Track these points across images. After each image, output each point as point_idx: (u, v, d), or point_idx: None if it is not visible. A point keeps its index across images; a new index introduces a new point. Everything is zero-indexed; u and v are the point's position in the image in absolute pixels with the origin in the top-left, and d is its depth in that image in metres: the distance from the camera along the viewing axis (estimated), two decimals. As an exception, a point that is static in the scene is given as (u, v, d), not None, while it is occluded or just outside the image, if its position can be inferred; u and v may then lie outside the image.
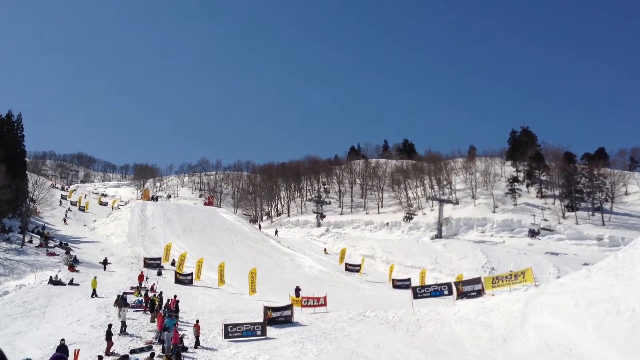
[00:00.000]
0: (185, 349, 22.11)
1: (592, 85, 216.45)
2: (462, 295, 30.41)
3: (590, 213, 72.68)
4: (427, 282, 45.13)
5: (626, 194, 79.81)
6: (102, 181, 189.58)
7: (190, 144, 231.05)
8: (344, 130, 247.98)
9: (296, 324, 28.03)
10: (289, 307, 29.39)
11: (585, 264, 40.65)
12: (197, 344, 23.29)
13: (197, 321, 24.79)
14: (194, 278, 42.74)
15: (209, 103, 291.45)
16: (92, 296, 33.13)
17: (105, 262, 46.44)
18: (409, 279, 47.44)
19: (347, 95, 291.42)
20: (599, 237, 63.85)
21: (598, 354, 17.72)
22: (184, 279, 42.26)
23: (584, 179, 77.40)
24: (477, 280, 31.85)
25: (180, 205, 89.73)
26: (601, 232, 65.02)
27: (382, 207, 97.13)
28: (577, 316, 20.37)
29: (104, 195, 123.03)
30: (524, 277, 29.52)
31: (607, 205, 74.10)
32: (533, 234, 66.52)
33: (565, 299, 21.94)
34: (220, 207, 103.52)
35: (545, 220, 70.22)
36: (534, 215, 70.95)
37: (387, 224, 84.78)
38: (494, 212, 76.74)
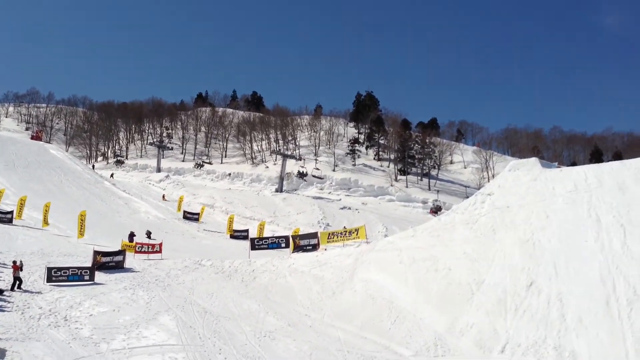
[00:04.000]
0: (0, 291, 20.23)
1: (430, 59, 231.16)
2: (298, 248, 31.24)
3: (419, 178, 78.51)
4: (265, 234, 45.77)
5: (451, 162, 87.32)
6: None
7: (17, 70, 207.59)
8: (192, 75, 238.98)
9: (128, 270, 26.98)
10: (121, 253, 28.14)
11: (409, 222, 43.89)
12: (14, 286, 21.40)
13: (15, 262, 22.67)
14: (14, 217, 39.18)
15: (42, 25, 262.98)
16: None
17: None
18: (247, 230, 47.81)
19: (198, 40, 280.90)
20: (425, 201, 69.28)
21: (415, 307, 19.23)
22: (2, 217, 38.51)
23: (417, 145, 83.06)
24: (314, 235, 32.88)
25: (3, 137, 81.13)
26: (427, 196, 70.60)
27: (225, 157, 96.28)
28: (400, 272, 21.85)
29: None
30: (357, 234, 31.01)
31: (434, 172, 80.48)
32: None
33: (391, 256, 23.39)
34: (50, 142, 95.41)
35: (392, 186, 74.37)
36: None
37: (230, 174, 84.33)
38: (333, 170, 79.57)
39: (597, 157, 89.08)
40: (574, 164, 75.50)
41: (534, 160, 25.43)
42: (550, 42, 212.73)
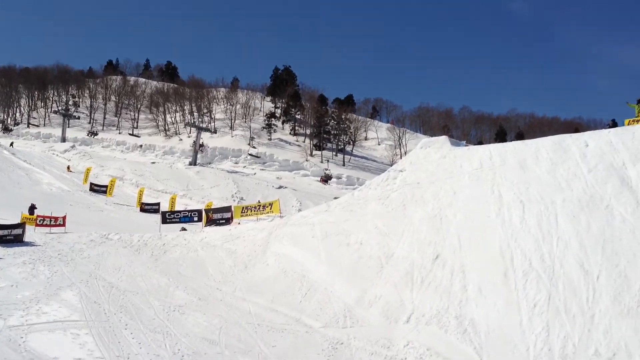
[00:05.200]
0: None
1: (349, 36, 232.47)
2: (211, 222, 30.85)
3: (334, 153, 79.40)
4: (177, 207, 44.82)
5: (366, 139, 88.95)
6: None
7: None
8: (102, 41, 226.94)
9: (28, 244, 25.53)
10: (20, 226, 26.55)
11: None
12: None
13: None
14: None
15: None
16: None
17: None
18: (158, 204, 46.54)
19: (109, 3, 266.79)
20: (339, 176, 70.33)
21: (327, 281, 19.51)
22: None
23: (332, 121, 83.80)
24: (228, 209, 32.56)
25: None
26: (341, 172, 71.68)
27: (137, 128, 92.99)
28: (313, 246, 22.06)
29: None
30: (271, 208, 31.02)
31: (349, 148, 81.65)
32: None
33: (304, 230, 23.55)
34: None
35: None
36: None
37: (141, 146, 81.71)
38: (249, 144, 78.96)
39: (501, 136, 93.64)
40: (480, 142, 79.05)
41: (444, 139, 26.22)
42: (460, 25, 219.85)
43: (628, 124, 21.18)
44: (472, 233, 18.32)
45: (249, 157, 73.10)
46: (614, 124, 22.15)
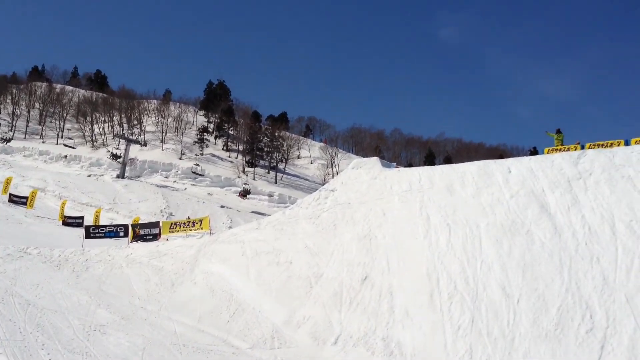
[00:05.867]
0: None
1: (284, 53, 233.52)
2: (137, 237, 29.97)
3: (267, 171, 79.20)
4: (103, 222, 43.24)
5: (298, 157, 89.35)
6: None
7: None
8: (27, 46, 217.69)
9: None
10: None
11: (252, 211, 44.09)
12: None
13: None
14: None
15: None
16: None
17: None
18: (82, 217, 44.71)
19: (36, 7, 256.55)
20: (271, 194, 70.07)
21: (255, 300, 19.30)
22: None
23: (266, 138, 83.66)
24: (155, 224, 31.76)
25: None
26: (273, 190, 71.46)
27: (62, 138, 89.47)
28: (242, 265, 21.80)
29: None
30: (201, 225, 30.49)
31: (281, 166, 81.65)
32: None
33: (234, 248, 23.26)
34: None
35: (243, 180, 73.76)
36: (198, 165, 73.55)
37: (66, 156, 78.55)
38: (180, 158, 77.59)
39: (430, 159, 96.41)
40: (410, 165, 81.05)
41: (375, 160, 26.71)
42: (393, 49, 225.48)
43: (547, 152, 22.29)
44: (400, 254, 18.65)
45: (191, 173, 71.49)
46: (534, 152, 23.30)
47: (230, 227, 42.00)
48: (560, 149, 22.12)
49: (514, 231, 17.05)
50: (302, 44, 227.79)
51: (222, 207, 58.82)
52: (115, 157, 74.39)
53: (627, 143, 20.64)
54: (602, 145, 21.37)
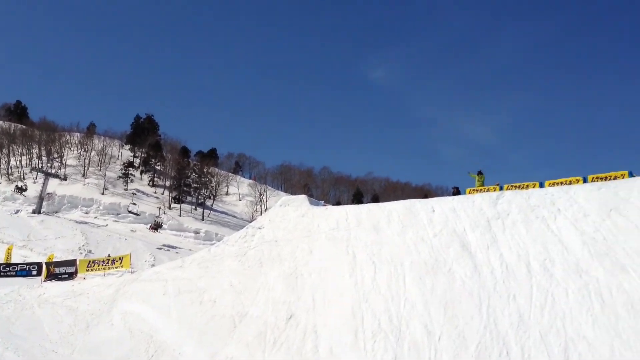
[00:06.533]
0: None
1: (212, 88, 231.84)
2: (52, 276, 28.45)
3: (194, 207, 77.68)
4: (15, 259, 40.78)
5: (227, 194, 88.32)
6: None
7: None
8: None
9: None
10: None
11: (176, 252, 42.94)
12: None
13: None
14: None
15: None
16: None
17: None
18: (-9, 255, 42.10)
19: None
20: (197, 231, 68.54)
21: (176, 341, 18.62)
22: None
23: (194, 174, 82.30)
24: (72, 262, 30.32)
25: None
26: (199, 226, 69.97)
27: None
28: (164, 304, 21.09)
29: None
30: (121, 263, 29.38)
31: (209, 202, 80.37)
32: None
33: (156, 287, 22.51)
34: None
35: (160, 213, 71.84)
36: (135, 204, 71.58)
37: (-22, 190, 74.14)
38: (103, 193, 74.85)
39: (358, 198, 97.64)
40: (338, 203, 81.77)
41: (303, 198, 26.79)
42: (324, 89, 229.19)
43: (469, 193, 23.05)
44: (326, 292, 18.59)
45: (128, 213, 68.52)
46: (457, 192, 24.11)
47: (153, 265, 40.65)
48: (481, 190, 22.90)
49: (437, 269, 17.39)
50: (233, 80, 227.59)
51: (146, 244, 56.93)
52: (20, 190, 70.35)
53: (541, 185, 21.62)
54: (519, 186, 22.29)
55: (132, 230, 64.99)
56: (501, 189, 22.46)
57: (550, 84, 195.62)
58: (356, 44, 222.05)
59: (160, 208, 71.50)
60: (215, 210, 79.51)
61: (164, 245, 57.85)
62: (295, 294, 19.13)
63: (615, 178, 19.23)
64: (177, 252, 52.38)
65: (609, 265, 14.69)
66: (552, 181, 21.60)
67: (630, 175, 19.11)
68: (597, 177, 20.12)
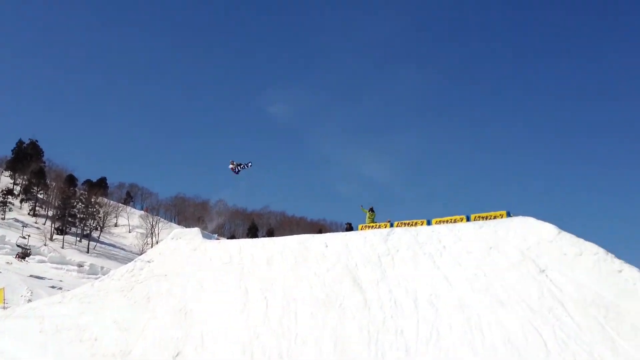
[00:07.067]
0: None
1: (111, 121, 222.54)
2: None
3: (78, 239, 73.56)
4: None
5: (116, 225, 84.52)
6: None
7: None
8: None
9: None
10: None
11: (59, 288, 40.30)
12: None
13: None
14: None
15: None
16: None
17: None
18: None
19: None
20: (81, 264, 64.68)
21: (52, 383, 17.35)
22: None
23: (80, 204, 78.16)
24: None
25: None
26: (84, 259, 66.17)
27: None
28: (41, 342, 19.70)
29: None
30: (-8, 298, 27.12)
31: (96, 234, 76.46)
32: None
33: (32, 324, 20.98)
34: None
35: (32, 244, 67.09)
36: (27, 236, 66.49)
37: None
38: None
39: (253, 232, 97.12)
40: (233, 236, 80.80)
41: (196, 231, 26.18)
42: (220, 121, 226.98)
43: (361, 229, 23.58)
44: (216, 329, 18.15)
45: (16, 247, 62.89)
46: (350, 227, 24.63)
47: (30, 300, 37.83)
48: (373, 226, 23.52)
49: (329, 305, 17.53)
50: (129, 110, 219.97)
51: (29, 276, 52.82)
52: None
53: (429, 223, 22.53)
54: (408, 224, 23.11)
55: (7, 262, 60.17)
56: (392, 225, 23.17)
57: (436, 126, 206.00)
58: (255, 77, 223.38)
59: (42, 240, 66.98)
60: (102, 243, 75.79)
61: (31, 275, 53.61)
62: (183, 330, 18.50)
63: (495, 217, 20.44)
64: (53, 287, 49.08)
65: (488, 300, 15.50)
66: (438, 219, 22.55)
67: (508, 215, 20.40)
68: (479, 217, 21.29)
